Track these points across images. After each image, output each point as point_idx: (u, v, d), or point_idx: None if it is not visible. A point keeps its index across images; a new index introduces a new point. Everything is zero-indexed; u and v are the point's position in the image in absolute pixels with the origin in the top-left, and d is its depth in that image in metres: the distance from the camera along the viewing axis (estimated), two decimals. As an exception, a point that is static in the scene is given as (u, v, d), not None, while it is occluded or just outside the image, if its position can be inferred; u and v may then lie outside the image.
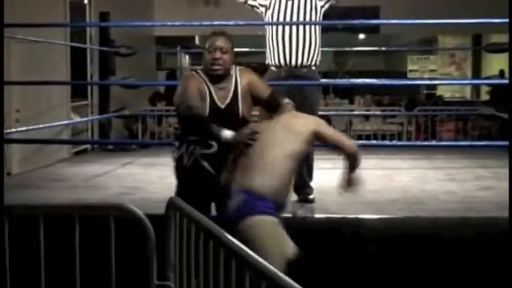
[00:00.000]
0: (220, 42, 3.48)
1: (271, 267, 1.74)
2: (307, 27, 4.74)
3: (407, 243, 4.05)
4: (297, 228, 3.97)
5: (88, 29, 9.05)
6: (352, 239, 4.05)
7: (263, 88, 3.59)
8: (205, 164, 3.40)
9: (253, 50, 9.95)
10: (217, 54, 3.45)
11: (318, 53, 4.83)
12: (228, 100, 3.49)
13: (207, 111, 3.42)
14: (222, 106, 3.48)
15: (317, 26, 4.79)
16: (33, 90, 6.76)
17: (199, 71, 3.55)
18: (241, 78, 3.55)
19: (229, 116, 3.43)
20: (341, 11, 11.71)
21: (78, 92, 8.72)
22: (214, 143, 3.35)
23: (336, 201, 4.65)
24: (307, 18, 4.77)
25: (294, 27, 4.71)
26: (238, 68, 3.58)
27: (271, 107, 3.50)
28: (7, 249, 2.44)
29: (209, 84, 3.49)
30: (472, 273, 3.97)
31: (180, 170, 3.51)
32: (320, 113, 7.60)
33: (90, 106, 8.84)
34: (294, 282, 1.64)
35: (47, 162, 6.82)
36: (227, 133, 3.23)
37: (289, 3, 4.77)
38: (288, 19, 4.75)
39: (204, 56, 3.52)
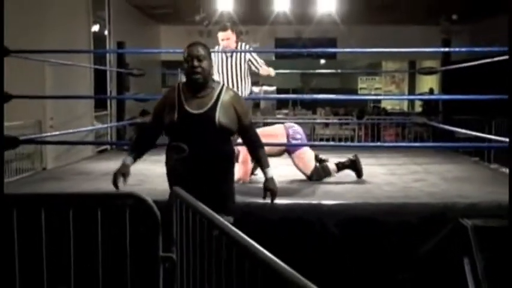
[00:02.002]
0: (196, 50, 3.03)
1: (255, 244, 1.73)
2: (239, 69, 5.36)
3: (358, 224, 4.06)
4: (269, 215, 3.99)
5: (108, 54, 9.03)
6: (314, 221, 4.04)
7: (245, 113, 3.11)
8: (181, 170, 2.97)
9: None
10: (195, 63, 3.00)
11: (244, 85, 5.45)
12: (206, 108, 2.98)
13: (175, 117, 2.95)
14: (195, 112, 2.97)
15: (245, 69, 5.42)
16: (64, 103, 6.71)
17: (182, 83, 3.11)
18: (225, 92, 3.06)
19: (203, 123, 2.95)
20: (306, 41, 11.80)
21: (100, 104, 8.70)
22: (185, 147, 2.94)
23: (304, 191, 4.66)
24: (240, 66, 5.37)
25: (229, 68, 5.34)
26: (225, 86, 3.12)
27: (244, 136, 3.14)
28: (43, 232, 2.41)
29: (183, 94, 3.02)
30: (409, 247, 3.99)
31: (169, 174, 3.11)
32: (290, 121, 7.58)
33: (109, 115, 8.82)
34: (262, 250, 1.63)
35: (75, 159, 6.77)
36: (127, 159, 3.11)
37: (229, 60, 5.35)
38: (227, 67, 5.34)
39: (184, 67, 3.08)
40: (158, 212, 2.37)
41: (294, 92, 15.62)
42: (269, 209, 3.85)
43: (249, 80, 5.57)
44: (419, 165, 6.23)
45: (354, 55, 13.32)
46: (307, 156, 5.18)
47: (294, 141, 5.16)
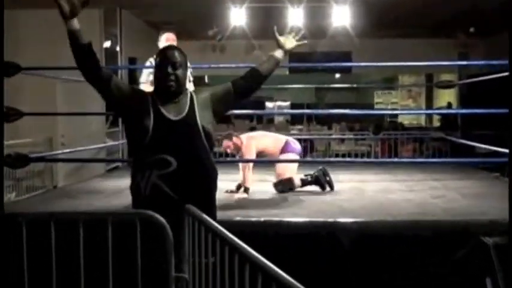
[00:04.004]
0: (172, 56, 2.66)
1: (269, 263, 1.72)
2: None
3: (375, 242, 4.02)
4: (284, 231, 3.98)
5: (119, 70, 9.11)
6: (330, 239, 4.02)
7: (222, 86, 2.78)
8: (166, 188, 2.56)
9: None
10: (169, 69, 2.63)
11: None
12: (184, 113, 2.64)
13: (151, 124, 2.57)
14: (174, 118, 2.61)
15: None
16: (75, 119, 6.77)
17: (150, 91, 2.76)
18: (197, 94, 2.74)
19: (186, 128, 2.61)
20: (320, 55, 11.82)
21: (111, 121, 8.74)
22: (172, 160, 2.55)
23: (318, 208, 4.64)
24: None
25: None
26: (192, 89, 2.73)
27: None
28: (53, 249, 2.42)
29: (156, 99, 2.65)
30: (428, 267, 3.95)
31: (139, 202, 2.62)
32: (304, 137, 7.59)
33: (121, 132, 8.84)
34: (287, 276, 1.62)
35: (86, 177, 6.80)
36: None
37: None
38: None
39: (155, 73, 2.72)
40: (170, 232, 2.36)
41: (309, 107, 15.65)
42: (282, 226, 3.84)
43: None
44: (438, 182, 6.17)
45: (369, 69, 13.29)
46: (291, 166, 5.44)
47: (291, 145, 5.50)
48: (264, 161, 5.74)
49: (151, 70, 5.30)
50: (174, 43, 5.15)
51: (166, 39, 5.14)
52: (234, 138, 5.42)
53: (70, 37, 2.57)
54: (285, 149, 5.47)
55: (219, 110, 2.79)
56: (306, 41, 2.98)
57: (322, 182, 5.46)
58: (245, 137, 5.50)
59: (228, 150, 5.52)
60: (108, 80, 2.67)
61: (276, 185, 5.42)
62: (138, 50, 9.30)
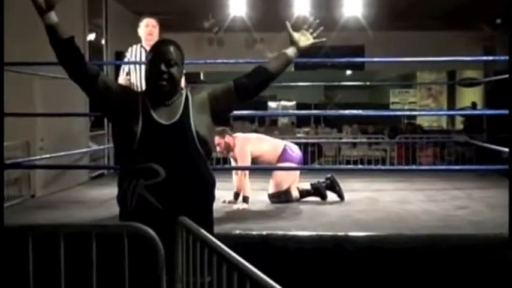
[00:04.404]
0: (167, 52, 2.61)
1: (271, 281, 1.72)
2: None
3: (391, 258, 4.02)
4: (289, 246, 3.98)
5: (105, 66, 9.12)
6: (340, 254, 4.01)
7: (222, 84, 2.73)
8: (152, 199, 2.53)
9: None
10: (162, 67, 2.58)
11: None
12: (177, 117, 2.59)
13: (139, 129, 2.54)
14: (165, 123, 2.56)
15: None
16: (56, 121, 6.75)
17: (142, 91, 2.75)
18: (193, 94, 2.68)
19: (178, 133, 2.57)
20: (329, 49, 11.82)
21: (96, 122, 8.74)
22: (160, 169, 2.52)
23: (327, 220, 4.63)
24: None
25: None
26: (189, 87, 2.78)
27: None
28: (31, 265, 2.42)
29: (146, 100, 2.61)
30: (451, 285, 3.94)
31: (126, 215, 2.61)
32: (311, 140, 7.61)
33: (107, 135, 8.85)
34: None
35: (67, 186, 6.81)
36: None
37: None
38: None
39: (146, 70, 2.67)
40: (162, 246, 2.36)
41: (317, 107, 15.66)
42: (287, 240, 3.84)
43: None
44: (461, 191, 6.17)
45: (384, 65, 13.30)
46: (288, 176, 5.43)
47: (289, 152, 5.51)
48: (261, 168, 5.73)
49: (128, 65, 5.32)
50: (156, 30, 5.19)
51: (146, 25, 5.18)
52: (227, 137, 5.41)
53: (48, 32, 2.53)
54: (281, 158, 5.47)
55: (218, 112, 2.72)
56: (325, 39, 2.88)
57: (322, 192, 5.48)
58: (240, 138, 5.50)
59: (218, 148, 5.45)
60: (94, 77, 2.62)
61: (271, 197, 5.43)
62: (127, 44, 9.31)
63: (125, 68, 5.42)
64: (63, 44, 2.56)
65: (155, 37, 5.07)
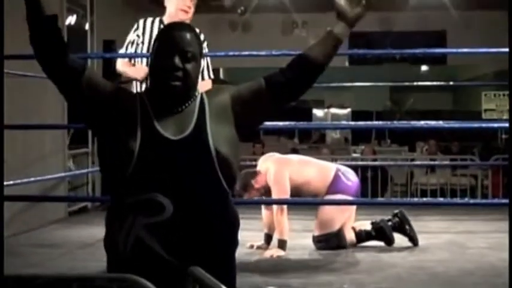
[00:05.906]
0: (182, 39, 2.50)
1: None
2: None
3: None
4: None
5: (90, 59, 9.18)
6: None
7: (244, 85, 2.62)
8: (155, 245, 2.43)
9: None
10: (176, 61, 2.46)
11: None
12: (190, 129, 2.47)
13: (137, 144, 2.43)
14: (173, 138, 2.45)
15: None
16: (23, 136, 6.84)
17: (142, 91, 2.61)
18: (209, 97, 2.57)
19: (191, 152, 2.46)
20: (398, 37, 11.79)
21: (77, 137, 8.79)
22: (166, 202, 2.41)
23: (394, 274, 4.63)
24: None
25: None
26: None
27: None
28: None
29: (149, 103, 2.51)
30: None
31: (117, 264, 2.54)
32: (373, 163, 7.69)
33: (91, 155, 8.89)
34: None
35: (38, 224, 6.86)
36: None
37: None
38: None
39: (152, 63, 2.57)
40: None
41: (380, 117, 15.66)
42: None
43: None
44: None
45: (474, 57, 13.26)
46: (340, 212, 5.44)
47: (343, 180, 5.50)
48: (304, 203, 5.75)
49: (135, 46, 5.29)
50: (191, 11, 4.87)
51: (183, 5, 4.83)
52: (259, 175, 5.40)
53: (28, 4, 2.48)
54: (332, 187, 5.46)
55: (245, 121, 2.60)
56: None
57: (388, 234, 5.49)
58: (275, 160, 5.49)
59: (257, 193, 5.40)
60: (78, 73, 2.52)
61: (316, 241, 5.43)
62: (119, 30, 9.41)
63: (129, 47, 5.27)
64: (45, 22, 2.52)
65: (188, 20, 4.73)
